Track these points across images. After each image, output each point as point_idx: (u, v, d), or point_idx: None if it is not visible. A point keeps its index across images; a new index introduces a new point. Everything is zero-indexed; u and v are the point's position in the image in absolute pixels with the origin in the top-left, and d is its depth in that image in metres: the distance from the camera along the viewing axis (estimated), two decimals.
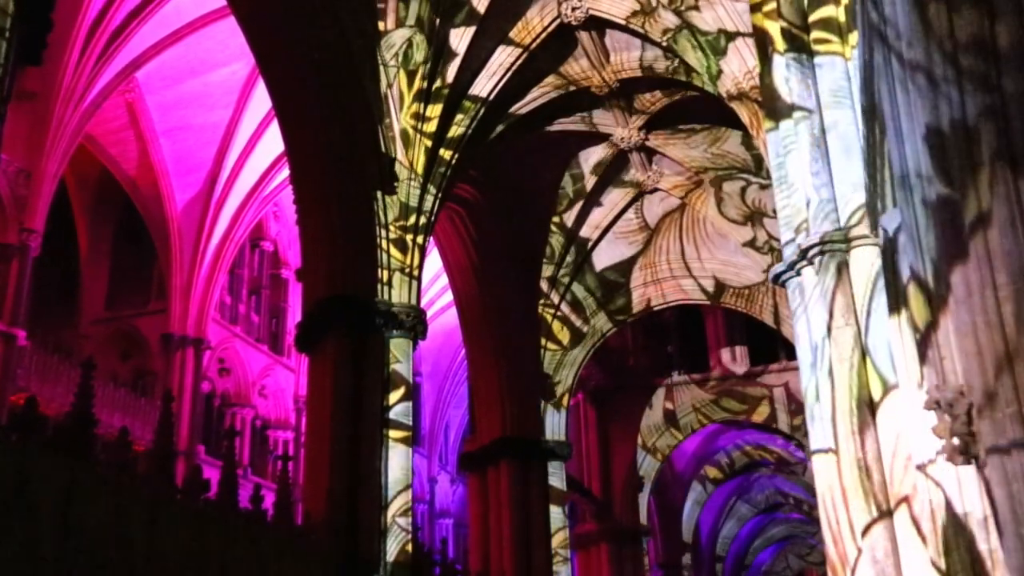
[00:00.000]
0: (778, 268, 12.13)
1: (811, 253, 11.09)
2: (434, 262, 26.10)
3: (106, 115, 27.44)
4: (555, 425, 25.10)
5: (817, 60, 11.49)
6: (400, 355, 17.15)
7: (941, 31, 5.80)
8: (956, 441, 5.68)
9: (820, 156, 11.22)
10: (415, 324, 17.56)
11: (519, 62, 19.61)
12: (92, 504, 10.89)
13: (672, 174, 24.42)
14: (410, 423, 16.99)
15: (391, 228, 17.79)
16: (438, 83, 18.68)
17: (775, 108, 12.17)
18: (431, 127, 18.61)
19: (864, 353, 10.37)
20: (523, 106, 20.68)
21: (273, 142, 26.41)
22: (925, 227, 5.96)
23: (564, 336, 25.89)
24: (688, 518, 38.49)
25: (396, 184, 18.02)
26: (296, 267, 22.15)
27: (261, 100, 25.71)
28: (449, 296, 28.23)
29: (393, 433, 16.57)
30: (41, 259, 25.00)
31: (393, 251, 17.72)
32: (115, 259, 32.30)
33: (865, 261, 10.52)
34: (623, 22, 18.84)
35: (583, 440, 31.42)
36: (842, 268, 10.77)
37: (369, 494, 16.00)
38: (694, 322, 33.84)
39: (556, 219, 24.91)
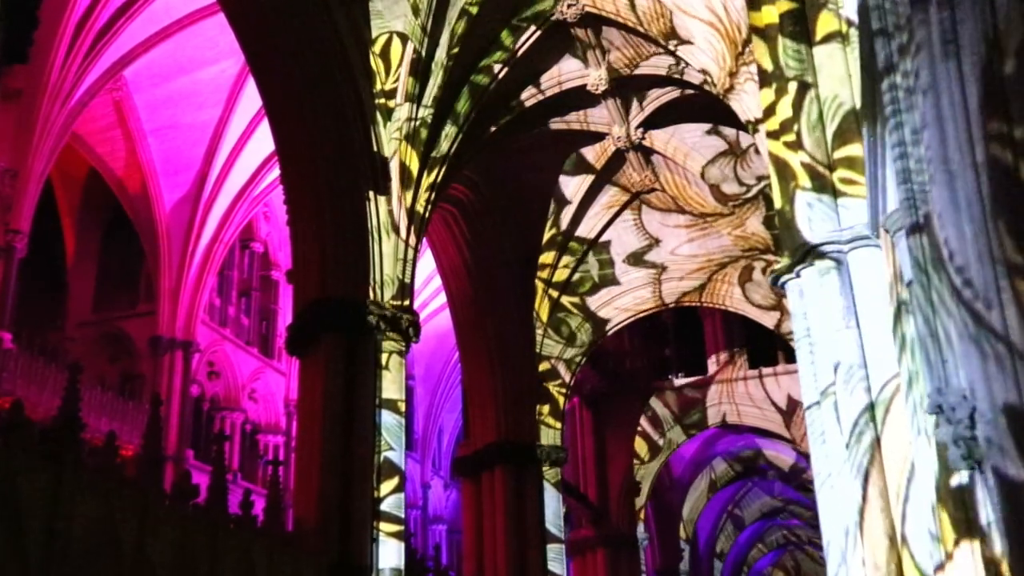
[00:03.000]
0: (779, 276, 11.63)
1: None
2: (427, 263, 25.78)
3: (93, 114, 27.08)
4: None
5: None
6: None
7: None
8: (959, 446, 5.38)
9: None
10: (408, 327, 17.26)
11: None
12: (79, 510, 10.76)
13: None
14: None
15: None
16: None
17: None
18: None
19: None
20: (519, 105, 20.43)
21: (263, 141, 26.09)
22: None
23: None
24: (686, 523, 38.23)
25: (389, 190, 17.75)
26: (287, 268, 21.91)
27: (251, 99, 25.39)
28: (443, 298, 27.91)
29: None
30: (27, 260, 24.62)
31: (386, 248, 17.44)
32: (102, 260, 31.88)
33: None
34: None
35: (579, 444, 31.15)
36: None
37: (361, 498, 15.69)
38: (692, 324, 33.52)
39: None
